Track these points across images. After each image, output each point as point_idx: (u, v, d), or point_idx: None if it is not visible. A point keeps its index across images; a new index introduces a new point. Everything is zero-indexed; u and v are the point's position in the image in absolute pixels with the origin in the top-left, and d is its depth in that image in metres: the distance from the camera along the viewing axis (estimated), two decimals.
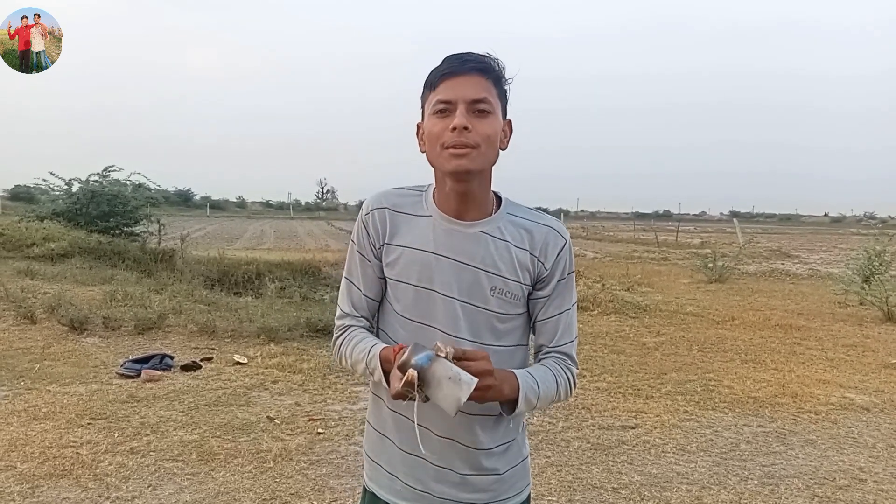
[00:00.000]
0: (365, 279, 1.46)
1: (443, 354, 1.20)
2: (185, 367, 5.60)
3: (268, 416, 4.50)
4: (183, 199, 62.83)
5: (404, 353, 1.21)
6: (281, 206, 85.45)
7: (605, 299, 9.68)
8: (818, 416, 4.89)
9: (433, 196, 1.43)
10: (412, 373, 1.18)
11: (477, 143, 1.30)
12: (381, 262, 1.44)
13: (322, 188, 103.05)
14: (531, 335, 1.49)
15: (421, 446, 1.31)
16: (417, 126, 1.41)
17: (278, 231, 33.39)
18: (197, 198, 70.36)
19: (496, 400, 1.31)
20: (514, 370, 1.36)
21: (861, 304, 10.10)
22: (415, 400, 1.21)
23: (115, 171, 13.99)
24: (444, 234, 1.39)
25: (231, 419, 4.42)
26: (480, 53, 1.35)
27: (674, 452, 4.11)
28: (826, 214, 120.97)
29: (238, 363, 5.84)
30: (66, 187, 13.87)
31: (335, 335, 1.50)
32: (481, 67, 1.32)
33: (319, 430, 4.28)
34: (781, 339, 7.86)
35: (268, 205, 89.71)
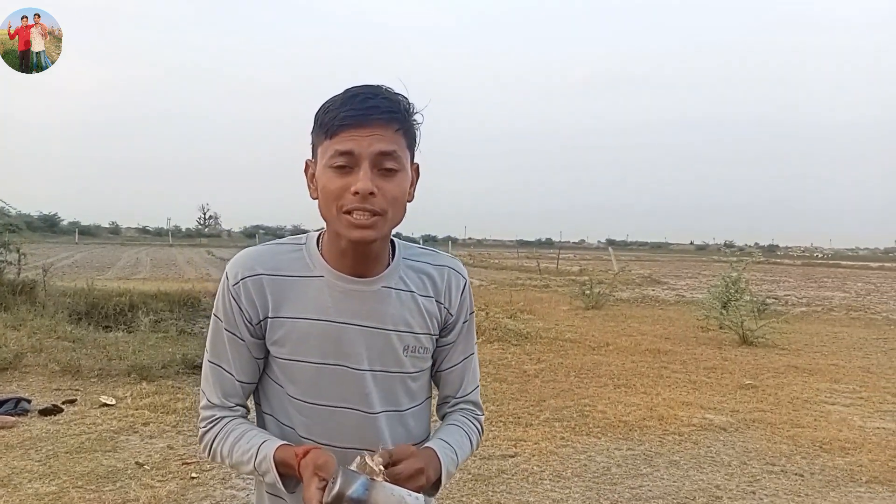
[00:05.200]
0: (238, 363, 1.23)
1: (376, 471, 1.03)
2: (45, 412, 5.19)
3: (137, 462, 4.25)
4: (48, 225, 58.31)
5: (334, 484, 1.00)
6: (159, 233, 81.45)
7: (489, 327, 9.91)
8: (681, 437, 5.23)
9: (319, 250, 1.23)
10: None
11: (383, 208, 1.12)
12: (260, 339, 1.22)
13: (204, 214, 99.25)
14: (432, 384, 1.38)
15: None
16: (306, 165, 1.21)
17: (155, 259, 31.71)
18: (64, 223, 65.67)
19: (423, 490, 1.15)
20: (431, 445, 1.21)
21: (721, 328, 10.92)
22: None
23: None
24: (344, 297, 1.20)
25: (95, 467, 4.14)
26: (387, 93, 1.14)
27: (550, 479, 4.26)
28: (692, 243, 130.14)
29: (105, 405, 5.48)
30: None
31: (203, 428, 1.25)
32: (390, 117, 1.12)
33: (193, 475, 4.09)
34: (650, 363, 8.35)
35: (144, 231, 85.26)
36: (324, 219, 1.18)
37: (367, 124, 1.10)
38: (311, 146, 1.20)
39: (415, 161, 1.22)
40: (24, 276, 11.38)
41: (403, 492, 1.03)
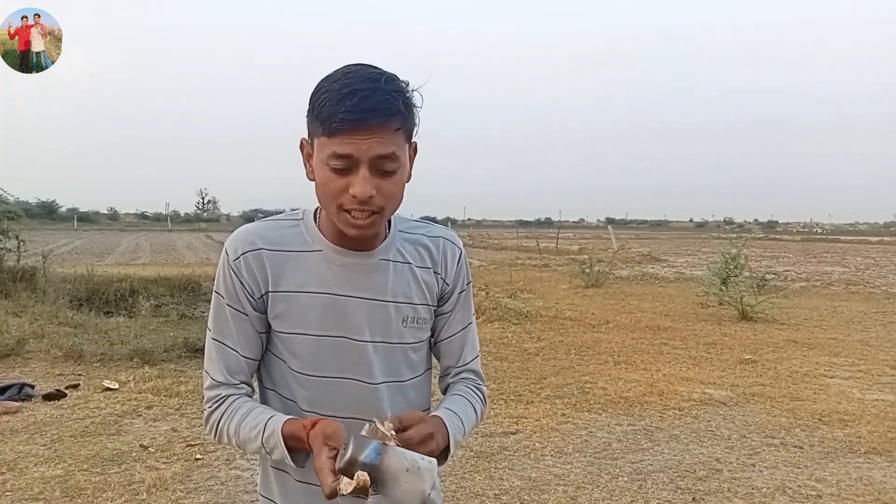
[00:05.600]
0: (242, 338, 1.22)
1: (388, 436, 1.03)
2: (48, 397, 5.22)
3: (141, 445, 4.28)
4: (47, 212, 58.30)
5: (346, 451, 0.99)
6: (158, 218, 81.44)
7: (490, 307, 9.94)
8: (681, 412, 5.26)
9: (317, 224, 1.24)
10: (364, 477, 0.97)
11: (381, 206, 1.13)
12: (262, 313, 1.22)
13: (203, 198, 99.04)
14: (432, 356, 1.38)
15: None
16: (301, 143, 1.19)
17: (155, 244, 31.70)
18: (63, 210, 65.65)
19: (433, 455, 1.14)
20: (438, 414, 1.21)
21: (720, 304, 10.95)
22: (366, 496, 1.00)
23: None
24: (343, 270, 1.21)
25: (100, 450, 4.17)
26: (386, 86, 1.10)
27: (552, 455, 4.30)
28: (691, 220, 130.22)
29: (108, 389, 5.51)
30: None
31: (208, 409, 1.23)
32: (389, 119, 1.09)
33: (198, 456, 4.13)
34: (650, 339, 8.39)
35: (143, 216, 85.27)
36: (321, 205, 1.19)
37: (365, 127, 1.08)
38: (306, 127, 1.18)
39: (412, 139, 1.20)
40: (23, 263, 11.38)
41: (416, 455, 1.03)
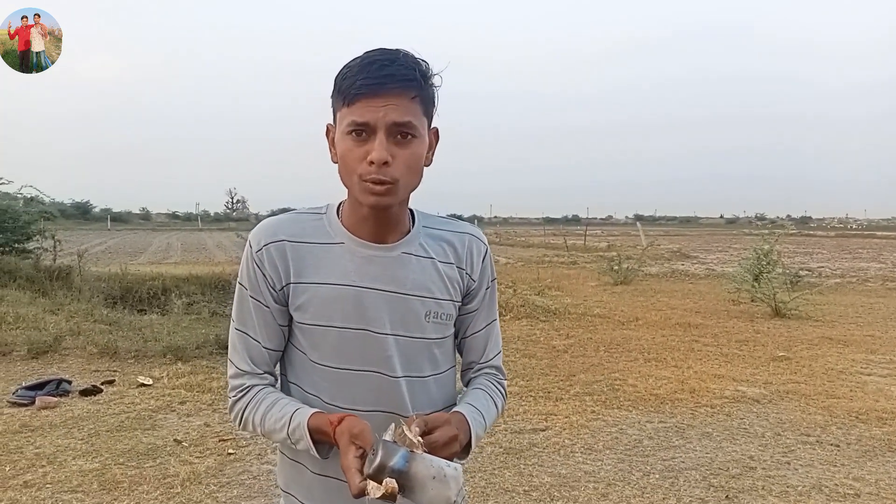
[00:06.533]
0: (264, 329, 1.24)
1: (416, 443, 1.04)
2: (85, 392, 5.33)
3: (175, 439, 4.35)
4: (81, 213, 59.66)
5: (374, 456, 1.01)
6: (188, 218, 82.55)
7: (517, 304, 9.91)
8: (714, 410, 5.19)
9: (339, 218, 1.25)
10: (393, 485, 0.99)
11: (396, 177, 1.14)
12: (283, 306, 1.23)
13: (232, 198, 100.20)
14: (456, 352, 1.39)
15: None
16: (327, 129, 1.23)
17: (186, 244, 32.19)
18: (96, 210, 67.00)
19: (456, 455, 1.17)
20: (460, 410, 1.23)
21: (752, 300, 10.78)
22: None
23: (3, 183, 13.12)
24: (365, 262, 1.22)
25: (135, 444, 4.25)
26: (404, 59, 1.14)
27: (582, 452, 4.27)
28: (721, 216, 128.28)
29: (142, 385, 5.61)
30: None
31: (233, 398, 1.26)
32: (406, 84, 1.13)
33: (230, 451, 4.18)
34: (681, 336, 8.29)
35: (174, 216, 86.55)
36: (343, 184, 1.20)
37: (382, 93, 1.11)
38: (331, 110, 1.21)
39: (433, 126, 1.22)
40: (59, 262, 11.65)
41: (443, 462, 1.04)
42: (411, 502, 1.03)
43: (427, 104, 1.18)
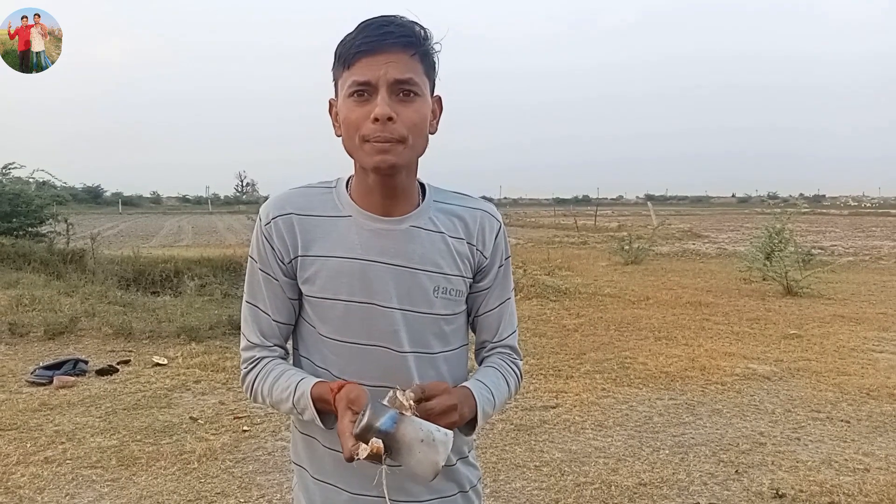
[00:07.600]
0: (273, 302, 1.25)
1: (406, 406, 1.03)
2: (101, 372, 5.42)
3: (191, 417, 4.43)
4: (92, 197, 59.88)
5: (362, 417, 1.00)
6: (199, 201, 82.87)
7: (528, 284, 9.92)
8: (724, 387, 5.21)
9: (348, 191, 1.24)
10: (378, 444, 0.99)
11: (403, 135, 1.12)
12: (292, 279, 1.24)
13: (241, 181, 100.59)
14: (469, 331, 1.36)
15: (386, 494, 1.07)
16: (330, 104, 1.22)
17: (196, 226, 32.36)
18: (108, 194, 67.27)
19: (458, 426, 1.16)
20: (467, 385, 1.21)
21: (764, 279, 10.74)
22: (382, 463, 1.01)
23: (15, 168, 13.21)
24: (372, 236, 1.20)
25: (152, 422, 4.33)
26: (402, 20, 1.14)
27: (592, 428, 4.31)
28: (733, 195, 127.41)
29: (158, 364, 5.69)
30: None
31: (244, 369, 1.28)
32: (405, 41, 1.12)
33: (245, 428, 4.25)
34: (692, 315, 8.28)
35: (185, 200, 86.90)
36: (348, 153, 1.19)
37: (382, 50, 1.11)
38: (333, 84, 1.20)
39: (436, 94, 1.21)
40: (72, 246, 11.76)
41: (432, 427, 1.03)
42: (398, 465, 1.02)
43: (428, 65, 1.17)
